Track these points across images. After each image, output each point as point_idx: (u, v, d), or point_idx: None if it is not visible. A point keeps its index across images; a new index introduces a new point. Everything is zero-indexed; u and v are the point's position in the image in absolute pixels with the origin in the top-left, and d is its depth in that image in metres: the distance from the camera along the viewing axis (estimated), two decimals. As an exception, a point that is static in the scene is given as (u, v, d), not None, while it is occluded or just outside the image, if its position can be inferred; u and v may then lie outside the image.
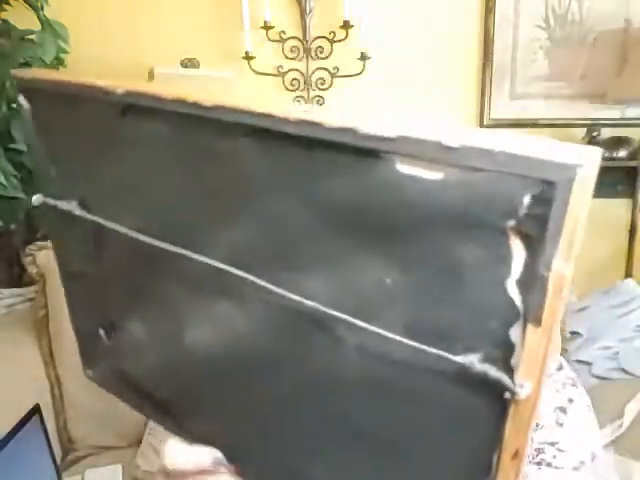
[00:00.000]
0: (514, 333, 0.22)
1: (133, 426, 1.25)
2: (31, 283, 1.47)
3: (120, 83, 0.29)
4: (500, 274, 0.21)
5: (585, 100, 2.02)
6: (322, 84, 2.07)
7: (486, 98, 2.05)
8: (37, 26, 1.52)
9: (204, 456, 0.37)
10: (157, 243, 0.31)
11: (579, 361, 1.29)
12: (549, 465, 0.59)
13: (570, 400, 0.64)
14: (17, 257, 1.48)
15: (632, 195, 1.99)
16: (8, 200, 1.49)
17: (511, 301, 0.21)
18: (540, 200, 0.19)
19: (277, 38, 2.01)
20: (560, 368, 0.70)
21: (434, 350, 0.24)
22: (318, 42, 2.03)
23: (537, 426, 0.63)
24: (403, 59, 2.04)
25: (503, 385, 0.22)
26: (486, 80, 2.04)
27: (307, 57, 2.04)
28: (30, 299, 1.52)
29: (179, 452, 0.37)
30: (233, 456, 0.36)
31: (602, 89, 1.98)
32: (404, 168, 0.21)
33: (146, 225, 0.32)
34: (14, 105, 1.46)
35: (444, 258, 0.23)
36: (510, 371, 0.22)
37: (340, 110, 0.22)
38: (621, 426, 1.08)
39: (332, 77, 2.06)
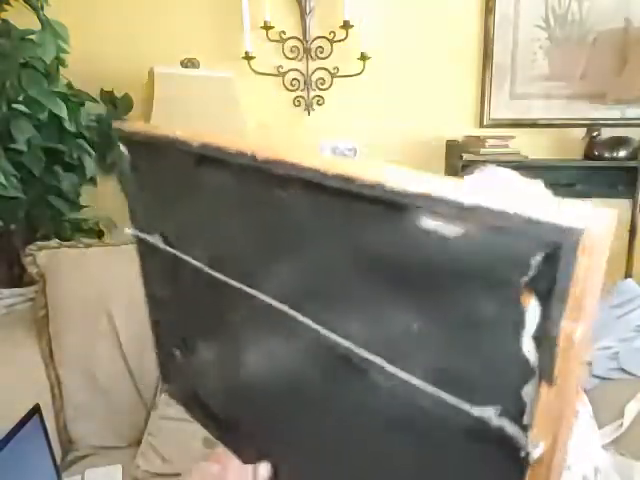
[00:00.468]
0: (528, 390, 0.22)
1: (133, 426, 1.25)
2: (31, 283, 1.47)
3: (197, 135, 0.32)
4: (515, 330, 0.21)
5: (585, 100, 2.02)
6: (322, 84, 2.07)
7: (486, 98, 2.05)
8: (37, 26, 1.52)
9: None
10: (219, 276, 0.35)
11: (579, 361, 1.29)
12: None
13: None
14: (17, 257, 1.48)
15: (632, 195, 1.99)
16: (8, 200, 1.50)
17: (525, 358, 0.21)
18: (548, 261, 0.20)
19: (277, 38, 2.01)
20: None
21: (453, 399, 0.24)
22: (318, 42, 2.03)
23: None
24: (403, 59, 2.04)
25: (518, 442, 0.22)
26: (486, 80, 2.04)
27: (307, 57, 2.04)
28: (30, 299, 1.52)
29: None
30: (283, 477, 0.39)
31: (602, 89, 1.98)
32: (426, 223, 0.22)
33: (212, 259, 0.36)
34: (14, 105, 1.46)
35: (463, 310, 0.23)
36: (525, 429, 0.22)
37: (376, 163, 0.23)
38: (621, 426, 1.08)
39: (332, 77, 2.06)
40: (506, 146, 1.91)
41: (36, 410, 0.92)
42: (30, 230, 1.62)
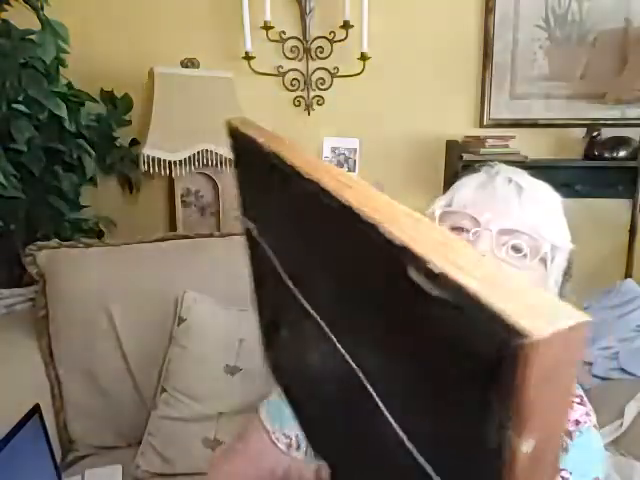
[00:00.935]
0: None
1: (133, 426, 1.25)
2: (31, 283, 1.47)
3: (274, 143, 0.33)
4: (473, 419, 0.19)
5: (585, 100, 2.02)
6: (322, 84, 2.07)
7: (486, 98, 2.05)
8: (37, 26, 1.52)
9: None
10: (283, 276, 0.38)
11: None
12: None
13: (576, 422, 0.62)
14: (17, 257, 1.48)
15: (632, 195, 1.99)
16: (8, 200, 1.50)
17: (489, 449, 0.19)
18: (492, 362, 0.17)
19: (277, 38, 2.01)
20: None
21: (421, 459, 0.23)
22: (318, 42, 2.03)
23: None
24: (403, 59, 2.04)
25: None
26: (486, 80, 2.04)
27: (307, 57, 2.04)
28: (30, 299, 1.52)
29: None
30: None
31: (602, 89, 1.98)
32: (413, 274, 0.21)
33: (282, 260, 0.39)
34: (14, 105, 1.46)
35: (431, 374, 0.22)
36: None
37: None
38: (621, 426, 1.08)
39: (332, 77, 2.06)
40: (506, 146, 1.91)
41: (36, 410, 0.92)
42: (30, 230, 1.62)
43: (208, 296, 1.23)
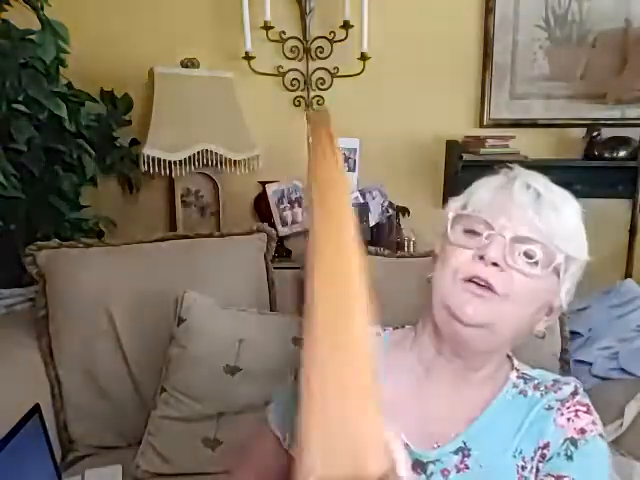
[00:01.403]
0: None
1: (133, 426, 1.25)
2: (31, 283, 1.47)
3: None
4: None
5: (585, 100, 2.02)
6: (322, 84, 2.07)
7: (486, 98, 2.05)
8: (37, 26, 1.52)
9: None
10: None
11: (579, 361, 1.29)
12: None
13: (582, 431, 0.61)
14: (17, 257, 1.47)
15: (632, 195, 1.99)
16: (8, 200, 1.49)
17: None
18: None
19: (277, 38, 2.01)
20: (575, 393, 0.65)
21: None
22: (318, 42, 2.03)
23: (544, 458, 0.61)
24: (403, 59, 2.04)
25: None
26: (486, 80, 2.04)
27: (307, 57, 2.04)
28: (30, 299, 1.52)
29: None
30: None
31: (602, 89, 1.98)
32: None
33: None
34: (14, 105, 1.46)
35: None
36: None
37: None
38: (621, 426, 1.08)
39: (332, 77, 2.06)
40: (506, 146, 1.91)
41: (36, 410, 0.91)
42: (30, 230, 1.62)
43: (208, 296, 1.23)
